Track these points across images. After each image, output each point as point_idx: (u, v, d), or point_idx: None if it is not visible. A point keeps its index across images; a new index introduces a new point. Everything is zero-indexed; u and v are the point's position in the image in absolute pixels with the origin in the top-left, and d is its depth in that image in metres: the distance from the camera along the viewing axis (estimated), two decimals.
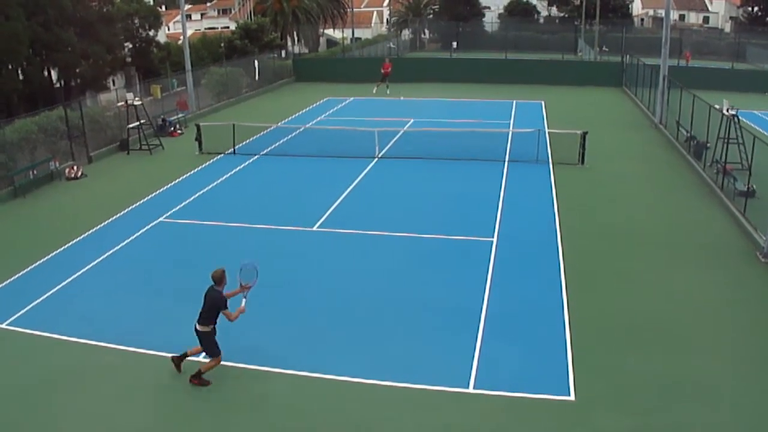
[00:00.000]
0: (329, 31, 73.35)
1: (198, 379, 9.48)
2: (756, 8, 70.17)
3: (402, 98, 35.36)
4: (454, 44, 64.74)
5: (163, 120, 27.24)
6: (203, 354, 9.74)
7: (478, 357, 10.14)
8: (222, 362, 10.00)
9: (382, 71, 36.94)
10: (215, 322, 9.38)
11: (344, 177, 19.99)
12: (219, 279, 9.35)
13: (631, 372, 9.75)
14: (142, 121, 24.12)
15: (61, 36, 33.70)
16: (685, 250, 14.39)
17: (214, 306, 9.27)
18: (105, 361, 10.22)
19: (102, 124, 24.33)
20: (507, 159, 21.95)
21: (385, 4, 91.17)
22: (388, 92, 36.54)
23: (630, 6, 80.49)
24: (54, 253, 14.54)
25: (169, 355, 10.04)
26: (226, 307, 9.31)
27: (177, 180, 20.26)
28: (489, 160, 21.57)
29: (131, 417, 8.93)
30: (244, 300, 9.51)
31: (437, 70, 42.31)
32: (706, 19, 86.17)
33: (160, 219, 16.67)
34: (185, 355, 9.81)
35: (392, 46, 64.56)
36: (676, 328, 11.08)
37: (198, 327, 9.37)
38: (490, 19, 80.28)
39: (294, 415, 8.92)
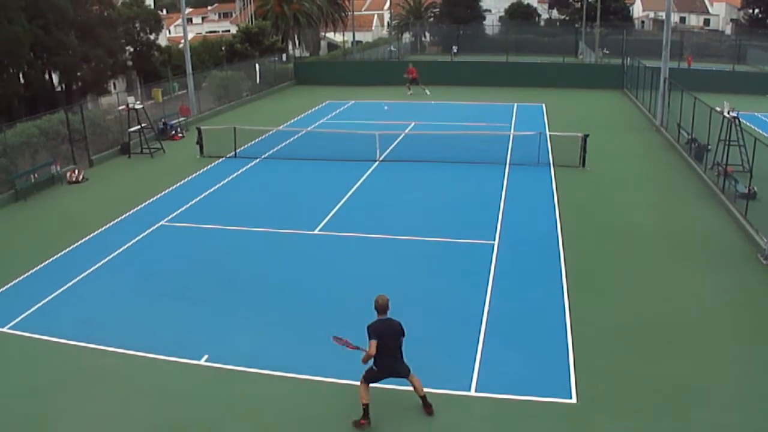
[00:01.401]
0: (330, 35, 73.46)
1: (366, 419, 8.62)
2: (757, 10, 70.24)
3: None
4: (455, 48, 64.86)
5: (165, 123, 27.26)
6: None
7: (479, 360, 10.13)
8: (223, 365, 10.04)
9: (412, 76, 38.15)
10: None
11: (345, 180, 19.99)
12: (385, 307, 8.61)
13: (632, 374, 9.74)
14: (143, 125, 24.13)
15: (62, 39, 33.75)
16: (687, 252, 14.38)
17: (401, 334, 8.57)
18: (107, 365, 10.22)
19: (103, 128, 24.35)
20: (508, 162, 21.95)
21: (386, 7, 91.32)
22: (427, 92, 37.75)
23: (630, 8, 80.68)
24: (55, 256, 14.55)
25: (173, 358, 10.06)
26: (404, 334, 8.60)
27: (178, 183, 20.28)
28: (490, 163, 21.57)
29: (133, 421, 8.92)
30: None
31: (438, 73, 42.35)
32: (706, 22, 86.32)
33: (162, 222, 16.68)
34: (424, 399, 8.80)
35: (393, 49, 64.72)
36: (677, 330, 11.07)
37: (398, 364, 8.60)
38: (491, 22, 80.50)
39: (296, 417, 8.92)
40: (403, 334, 8.61)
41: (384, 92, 38.30)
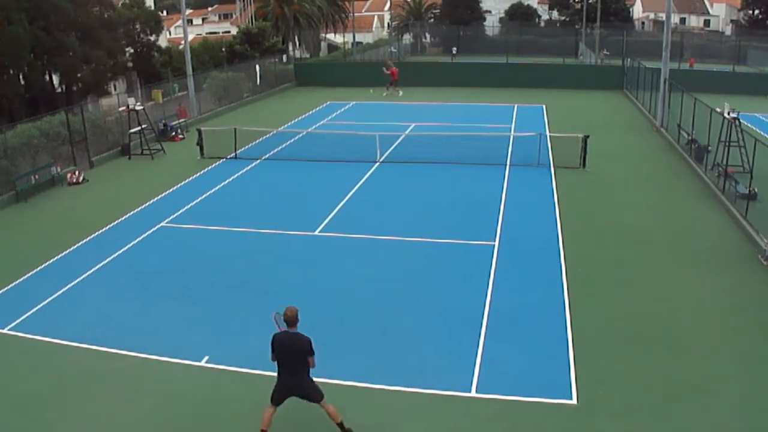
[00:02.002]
0: (330, 36, 73.51)
1: None
2: (757, 11, 70.25)
3: (391, 93, 37.76)
4: (455, 49, 64.91)
5: (165, 125, 27.28)
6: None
7: (480, 361, 10.13)
8: (224, 366, 10.05)
9: (393, 77, 38.11)
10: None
11: (346, 181, 20.00)
12: (295, 320, 8.04)
13: (633, 375, 9.74)
14: (143, 126, 24.15)
15: (62, 41, 33.79)
16: (687, 253, 14.38)
17: (306, 352, 8.02)
18: (107, 366, 10.22)
19: (103, 129, 24.37)
20: (508, 163, 21.95)
21: (386, 8, 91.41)
22: (400, 93, 37.65)
23: (631, 9, 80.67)
24: (55, 258, 14.55)
25: (174, 359, 10.07)
26: (313, 353, 8.08)
27: (178, 184, 20.28)
28: (490, 164, 21.57)
29: (134, 421, 8.93)
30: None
31: (438, 74, 42.37)
32: (707, 22, 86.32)
33: (162, 223, 16.69)
34: (342, 426, 8.33)
35: (393, 50, 64.75)
36: (677, 331, 11.06)
37: (299, 382, 8.15)
38: (491, 23, 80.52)
39: (297, 418, 8.92)
40: (310, 354, 8.02)
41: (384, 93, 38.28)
